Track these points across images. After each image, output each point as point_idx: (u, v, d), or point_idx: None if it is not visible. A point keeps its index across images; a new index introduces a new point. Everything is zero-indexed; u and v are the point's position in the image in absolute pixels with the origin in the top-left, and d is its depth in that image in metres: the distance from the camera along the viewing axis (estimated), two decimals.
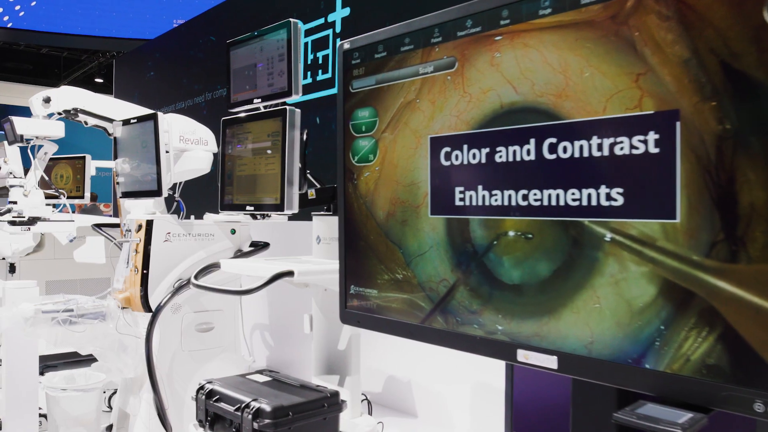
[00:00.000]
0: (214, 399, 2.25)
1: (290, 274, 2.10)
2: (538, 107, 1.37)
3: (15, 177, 3.55)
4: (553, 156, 1.33)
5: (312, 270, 2.24)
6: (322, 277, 2.31)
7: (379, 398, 4.45)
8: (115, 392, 4.11)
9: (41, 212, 3.54)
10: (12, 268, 4.68)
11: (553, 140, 1.33)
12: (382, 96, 1.76)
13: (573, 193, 1.30)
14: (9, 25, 9.50)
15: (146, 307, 3.00)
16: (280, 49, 2.22)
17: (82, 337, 2.84)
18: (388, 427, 2.88)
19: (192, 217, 3.21)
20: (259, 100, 2.33)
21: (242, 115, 2.42)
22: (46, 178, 3.64)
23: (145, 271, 2.98)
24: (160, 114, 2.97)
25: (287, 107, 2.14)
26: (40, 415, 3.53)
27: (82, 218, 4.30)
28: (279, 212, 2.19)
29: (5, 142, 4.55)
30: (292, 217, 2.77)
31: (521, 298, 1.40)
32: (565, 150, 1.31)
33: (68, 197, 4.24)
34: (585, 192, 1.28)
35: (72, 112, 3.61)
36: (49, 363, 4.90)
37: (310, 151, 2.31)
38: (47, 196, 3.65)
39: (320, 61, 4.99)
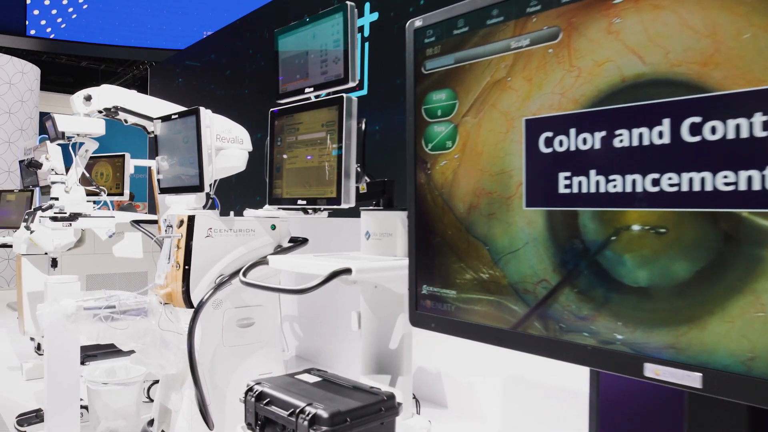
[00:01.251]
0: (264, 402, 1.93)
1: (347, 271, 1.79)
2: (675, 79, 1.05)
3: (57, 174, 3.25)
4: (697, 138, 1.01)
5: (370, 267, 1.92)
6: (380, 274, 2.00)
7: None
8: (154, 383, 3.81)
9: (82, 208, 3.24)
10: (54, 263, 4.38)
11: (697, 119, 1.01)
12: (463, 76, 1.44)
13: (726, 177, 0.98)
14: (52, 36, 9.21)
15: (188, 302, 2.69)
16: (335, 34, 1.91)
17: (124, 333, 2.53)
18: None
19: (231, 213, 2.90)
20: (311, 89, 2.02)
21: (293, 105, 2.10)
22: (87, 175, 3.33)
23: (186, 267, 2.67)
24: (201, 109, 2.66)
25: (344, 95, 1.83)
26: (82, 407, 3.22)
27: (121, 215, 3.99)
28: (335, 206, 1.87)
29: (47, 142, 4.25)
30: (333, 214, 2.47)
31: (649, 303, 1.08)
32: (714, 130, 0.99)
33: (108, 194, 3.94)
34: (743, 175, 0.96)
35: (112, 110, 3.30)
36: (89, 353, 4.61)
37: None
38: (88, 193, 3.34)
39: None
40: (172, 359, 2.64)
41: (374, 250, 2.20)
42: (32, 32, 9.12)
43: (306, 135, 1.96)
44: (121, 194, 4.18)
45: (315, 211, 2.07)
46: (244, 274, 2.05)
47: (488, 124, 1.35)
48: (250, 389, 2.02)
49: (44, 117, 3.24)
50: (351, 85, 1.89)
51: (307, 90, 2.04)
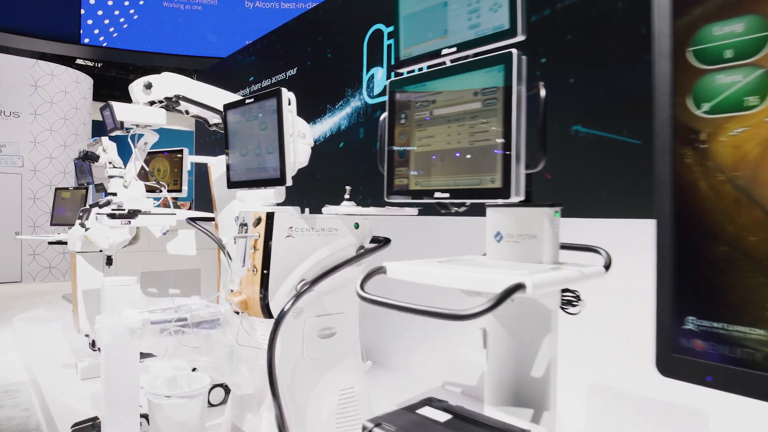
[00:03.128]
0: None
1: (521, 288, 1.15)
2: None
3: (114, 167, 2.62)
4: None
5: (551, 280, 1.27)
6: (557, 288, 1.35)
7: (476, 392, 3.51)
8: (214, 387, 3.18)
9: (141, 205, 2.60)
10: (109, 261, 3.74)
11: None
12: None
13: None
14: (104, 45, 8.57)
15: (266, 312, 2.04)
16: None
17: (196, 348, 1.89)
18: None
19: (307, 210, 2.25)
20: (452, 49, 1.37)
21: (425, 72, 1.43)
22: (147, 169, 2.71)
23: (265, 271, 2.02)
24: (283, 90, 2.01)
25: (514, 51, 1.17)
26: (142, 415, 2.59)
27: (180, 213, 3.35)
28: (500, 199, 1.22)
29: (103, 138, 3.61)
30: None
31: None
32: None
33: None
34: None
35: (173, 99, 2.65)
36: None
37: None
38: (147, 189, 2.71)
39: None
40: (248, 377, 2.00)
41: (510, 254, 1.55)
42: (86, 41, 8.47)
43: (448, 108, 1.30)
44: (180, 191, 3.53)
45: (459, 206, 1.42)
46: (362, 287, 1.40)
47: None
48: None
49: (101, 107, 2.61)
50: (519, 38, 1.23)
51: (445, 51, 1.38)
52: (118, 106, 2.49)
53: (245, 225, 2.13)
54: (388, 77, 4.12)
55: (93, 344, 4.17)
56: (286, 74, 5.60)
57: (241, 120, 2.22)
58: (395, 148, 1.46)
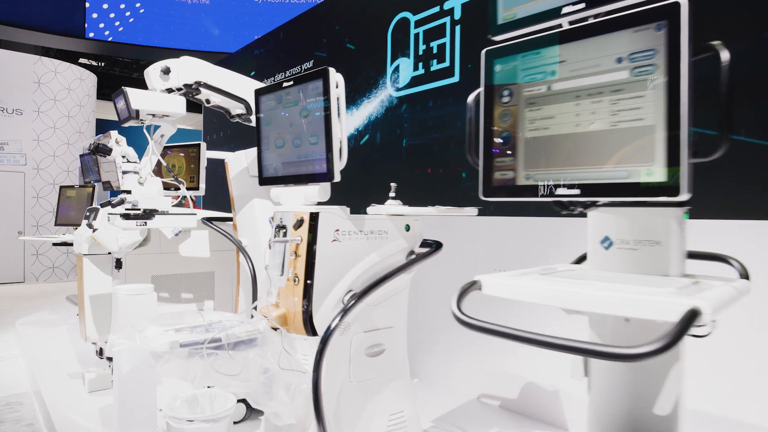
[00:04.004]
0: None
1: (697, 314, 0.83)
2: None
3: (129, 161, 2.28)
4: None
5: (724, 301, 0.95)
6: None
7: (516, 406, 3.19)
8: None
9: (158, 204, 2.27)
10: (118, 264, 3.40)
11: None
12: None
13: None
14: (110, 39, 8.17)
15: (310, 328, 1.71)
16: None
17: (232, 374, 1.56)
18: None
19: (354, 211, 1.93)
20: (581, 5, 1.03)
21: (540, 36, 1.10)
22: (164, 164, 2.37)
23: (308, 281, 1.69)
24: (331, 70, 1.68)
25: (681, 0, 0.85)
26: None
27: (198, 213, 3.01)
28: (662, 197, 0.90)
29: (111, 132, 3.29)
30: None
31: None
32: None
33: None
34: None
35: (193, 86, 2.32)
36: None
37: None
38: (164, 186, 2.37)
39: (435, 51, 3.67)
40: (290, 405, 1.68)
41: (623, 264, 1.23)
42: (91, 35, 8.08)
43: (575, 81, 0.98)
44: (197, 188, 3.20)
45: (588, 205, 1.09)
46: (459, 308, 1.07)
47: None
48: None
49: (113, 94, 2.27)
50: None
51: (569, 9, 1.04)
52: (133, 93, 2.16)
53: (283, 227, 1.80)
54: (415, 68, 3.80)
55: (100, 352, 3.84)
56: (301, 67, 5.26)
57: (276, 107, 1.89)
58: (495, 133, 1.13)
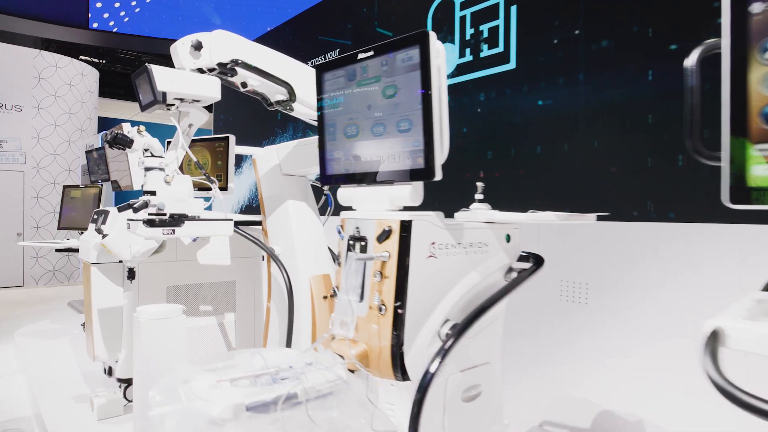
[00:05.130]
0: None
1: None
2: None
3: (153, 156, 1.84)
4: None
5: None
6: None
7: None
8: None
9: (189, 207, 1.85)
10: (131, 274, 2.98)
11: None
12: None
13: None
14: (115, 30, 7.68)
15: (400, 370, 1.30)
16: None
17: None
18: None
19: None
20: None
21: None
22: (195, 160, 1.94)
23: (399, 310, 1.28)
24: (431, 34, 1.27)
25: None
26: None
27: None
28: None
29: (125, 124, 2.88)
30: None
31: None
32: None
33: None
34: None
35: (229, 65, 1.90)
36: None
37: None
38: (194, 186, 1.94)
39: (486, 35, 3.25)
40: None
41: None
42: (95, 25, 7.61)
43: None
44: (225, 188, 2.78)
45: None
46: (720, 373, 0.69)
47: None
48: None
49: (134, 74, 1.84)
50: None
51: None
52: (159, 72, 1.74)
53: (361, 240, 1.38)
54: (461, 55, 3.38)
55: (109, 371, 3.42)
56: (325, 56, 4.84)
57: (347, 85, 1.47)
58: (755, 107, 0.72)
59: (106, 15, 7.56)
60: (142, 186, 3.24)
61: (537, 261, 1.59)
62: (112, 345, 3.12)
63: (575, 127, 2.77)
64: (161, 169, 1.83)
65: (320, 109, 1.56)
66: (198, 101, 1.90)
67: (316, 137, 2.60)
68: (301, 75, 2.15)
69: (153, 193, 1.79)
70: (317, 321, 2.65)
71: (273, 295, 2.85)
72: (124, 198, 6.95)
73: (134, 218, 1.79)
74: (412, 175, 1.32)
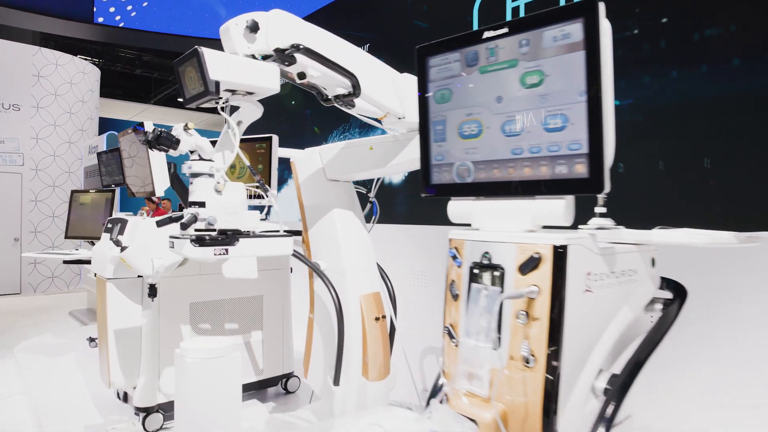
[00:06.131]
0: None
1: None
2: None
3: (202, 159, 1.51)
4: None
5: None
6: None
7: None
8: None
9: (244, 221, 1.52)
10: (152, 291, 2.65)
11: None
12: None
13: None
14: (121, 25, 7.28)
15: None
16: None
17: None
18: None
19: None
20: None
21: None
22: (247, 164, 1.62)
23: (554, 361, 0.98)
24: (600, 3, 0.97)
25: None
26: None
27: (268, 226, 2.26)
28: None
29: (146, 122, 2.58)
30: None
31: None
32: None
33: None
34: None
35: (288, 51, 1.59)
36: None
37: None
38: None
39: None
40: None
41: None
42: (100, 20, 7.23)
43: None
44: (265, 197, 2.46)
45: None
46: None
47: None
48: None
49: (175, 61, 1.53)
50: None
51: None
52: (212, 57, 1.43)
53: (493, 268, 1.07)
54: None
55: (124, 397, 3.09)
56: None
57: (465, 72, 1.17)
58: None
59: (112, 9, 7.19)
60: (152, 194, 2.89)
61: (678, 292, 1.29)
62: (130, 369, 2.78)
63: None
64: (211, 175, 1.51)
65: (423, 102, 1.25)
66: (252, 93, 1.58)
67: (368, 138, 2.30)
68: (365, 65, 1.84)
69: (201, 204, 1.47)
70: (368, 345, 2.33)
71: (316, 312, 2.53)
72: (129, 204, 6.57)
73: (180, 236, 1.48)
74: (569, 186, 1.01)
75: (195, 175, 1.50)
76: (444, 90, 1.20)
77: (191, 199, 1.50)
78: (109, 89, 13.26)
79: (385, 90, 1.92)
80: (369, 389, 2.32)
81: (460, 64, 1.17)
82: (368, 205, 2.72)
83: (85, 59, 8.85)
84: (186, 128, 1.50)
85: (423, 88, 1.24)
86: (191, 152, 1.54)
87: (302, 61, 1.67)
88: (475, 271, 1.10)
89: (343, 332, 2.28)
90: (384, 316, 2.42)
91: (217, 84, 1.43)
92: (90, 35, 7.73)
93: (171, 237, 1.51)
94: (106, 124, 10.26)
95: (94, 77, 8.66)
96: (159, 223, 1.55)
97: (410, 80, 2.01)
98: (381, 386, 2.35)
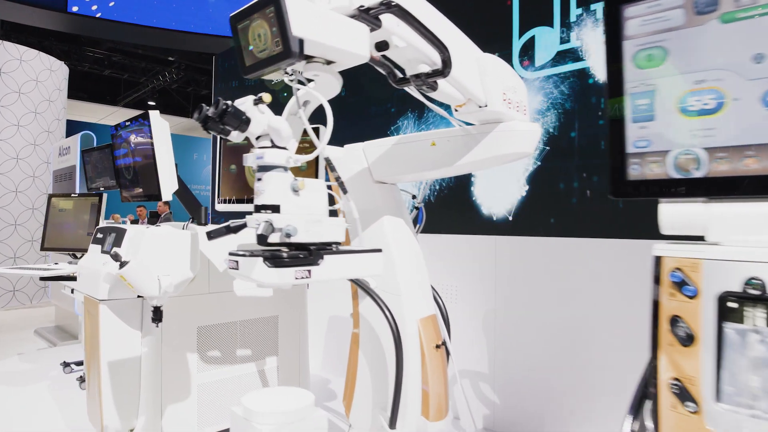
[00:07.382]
0: None
1: None
2: None
3: (276, 147, 1.09)
4: None
5: None
6: None
7: None
8: None
9: (327, 232, 1.12)
10: (157, 315, 2.20)
11: None
12: None
13: None
14: (98, 15, 6.61)
15: None
16: None
17: None
18: None
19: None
20: None
21: None
22: (326, 155, 1.22)
23: None
24: None
25: None
26: None
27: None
28: None
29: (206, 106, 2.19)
30: None
31: None
32: None
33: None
34: None
35: (379, 9, 1.22)
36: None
37: None
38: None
39: (599, 15, 2.67)
40: None
41: None
42: (74, 9, 6.57)
43: None
44: None
45: None
46: None
47: None
48: None
49: (233, 15, 1.12)
50: None
51: None
52: (294, 7, 1.04)
53: (759, 300, 0.72)
54: (563, 41, 2.79)
55: None
56: None
57: (695, 21, 0.82)
58: None
59: None
60: (157, 198, 2.44)
61: None
62: (127, 409, 2.31)
63: None
64: (286, 169, 1.11)
65: (615, 67, 0.90)
66: (332, 62, 1.19)
67: (428, 133, 1.93)
68: (454, 37, 1.49)
69: (275, 208, 1.07)
70: (429, 378, 1.95)
71: (362, 340, 2.13)
72: (110, 209, 5.96)
73: (243, 252, 1.06)
74: None
75: (265, 169, 1.10)
76: (653, 49, 0.85)
77: (259, 201, 1.09)
78: (76, 92, 12.44)
79: (471, 71, 1.57)
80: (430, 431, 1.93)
81: (684, 12, 0.82)
82: (413, 212, 2.36)
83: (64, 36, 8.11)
84: (259, 102, 1.09)
85: (615, 47, 0.89)
86: (258, 137, 1.13)
87: (389, 26, 1.30)
88: (732, 305, 0.74)
89: (402, 364, 1.89)
90: (444, 343, 2.05)
91: (301, 42, 1.03)
92: (61, 26, 7.09)
93: (231, 255, 1.09)
94: (74, 126, 9.55)
95: (62, 75, 8.00)
96: (211, 235, 1.13)
97: (495, 62, 1.66)
98: (442, 427, 1.97)
